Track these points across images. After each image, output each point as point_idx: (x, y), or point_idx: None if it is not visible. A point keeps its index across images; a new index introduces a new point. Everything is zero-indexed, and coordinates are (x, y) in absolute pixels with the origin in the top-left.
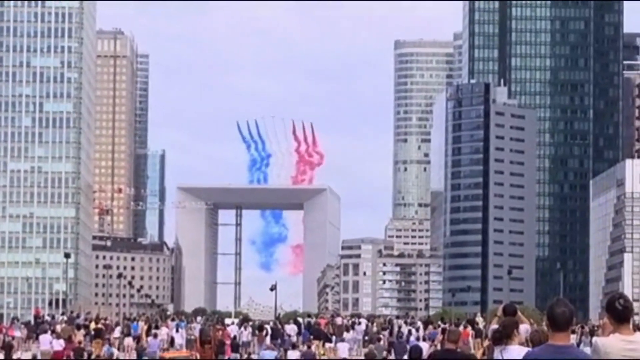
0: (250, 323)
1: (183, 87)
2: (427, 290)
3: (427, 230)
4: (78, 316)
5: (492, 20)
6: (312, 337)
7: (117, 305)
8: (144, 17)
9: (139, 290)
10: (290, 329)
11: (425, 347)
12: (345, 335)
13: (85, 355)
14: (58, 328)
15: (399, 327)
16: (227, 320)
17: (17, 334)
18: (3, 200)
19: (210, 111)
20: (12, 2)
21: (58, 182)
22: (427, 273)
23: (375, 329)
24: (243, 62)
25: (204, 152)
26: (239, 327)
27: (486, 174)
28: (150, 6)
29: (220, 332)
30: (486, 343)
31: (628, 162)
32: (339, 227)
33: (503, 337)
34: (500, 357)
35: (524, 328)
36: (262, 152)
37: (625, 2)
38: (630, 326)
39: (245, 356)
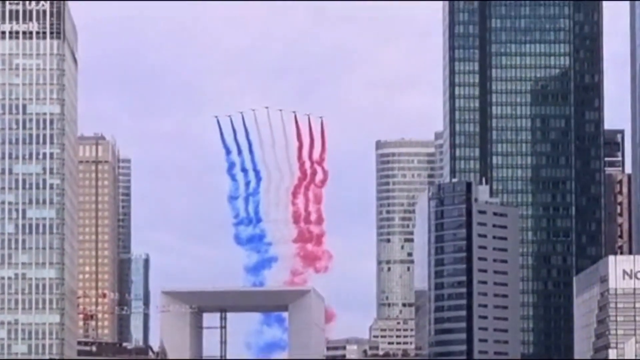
0: None
1: (167, 189)
2: None
3: (411, 330)
4: None
5: (473, 119)
6: None
7: None
8: (126, 119)
9: None
10: None
11: None
12: None
13: None
14: None
15: None
16: None
17: None
18: None
19: (196, 213)
20: None
21: (42, 288)
22: None
23: None
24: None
25: (189, 255)
26: None
27: (469, 272)
28: (132, 107)
29: None
30: None
31: (611, 258)
32: (323, 327)
33: None
34: None
35: None
36: (265, 254)
37: (605, 98)
38: None
39: None
